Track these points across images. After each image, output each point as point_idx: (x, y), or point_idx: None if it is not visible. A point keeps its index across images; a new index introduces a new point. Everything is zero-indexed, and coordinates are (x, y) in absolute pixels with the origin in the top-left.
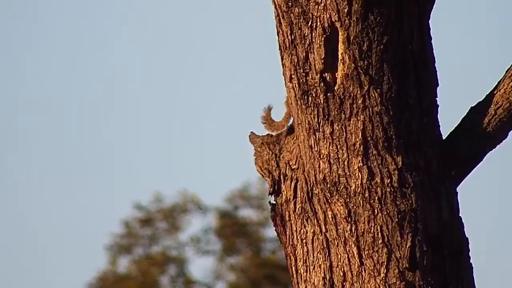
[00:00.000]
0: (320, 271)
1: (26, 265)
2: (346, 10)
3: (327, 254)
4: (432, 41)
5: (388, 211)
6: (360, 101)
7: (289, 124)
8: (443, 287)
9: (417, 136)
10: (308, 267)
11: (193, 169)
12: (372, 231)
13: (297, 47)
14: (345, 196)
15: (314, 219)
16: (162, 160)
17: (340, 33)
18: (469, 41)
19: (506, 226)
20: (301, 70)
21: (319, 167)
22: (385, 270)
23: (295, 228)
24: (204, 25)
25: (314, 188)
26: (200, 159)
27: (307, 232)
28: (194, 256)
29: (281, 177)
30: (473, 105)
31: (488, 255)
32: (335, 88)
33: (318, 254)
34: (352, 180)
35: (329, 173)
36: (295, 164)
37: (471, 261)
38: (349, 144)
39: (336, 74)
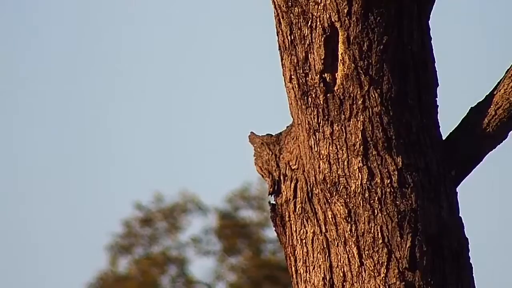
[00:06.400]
0: (320, 272)
1: (26, 265)
2: (346, 10)
3: (327, 254)
4: (432, 41)
5: (388, 211)
6: (360, 102)
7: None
8: (443, 287)
9: (417, 137)
10: (308, 268)
11: (193, 169)
12: (372, 231)
13: (297, 47)
14: (345, 196)
15: (314, 219)
16: (162, 160)
17: (340, 33)
18: (469, 41)
19: (506, 226)
20: (301, 71)
21: (319, 167)
22: (385, 270)
23: (295, 229)
24: (204, 25)
25: (314, 189)
26: (200, 159)
27: (307, 232)
28: (194, 256)
29: (281, 177)
30: (473, 105)
31: (488, 255)
32: (335, 88)
33: (318, 255)
34: (352, 181)
35: (329, 174)
36: (295, 165)
37: (471, 261)
38: (349, 144)
39: (336, 74)
